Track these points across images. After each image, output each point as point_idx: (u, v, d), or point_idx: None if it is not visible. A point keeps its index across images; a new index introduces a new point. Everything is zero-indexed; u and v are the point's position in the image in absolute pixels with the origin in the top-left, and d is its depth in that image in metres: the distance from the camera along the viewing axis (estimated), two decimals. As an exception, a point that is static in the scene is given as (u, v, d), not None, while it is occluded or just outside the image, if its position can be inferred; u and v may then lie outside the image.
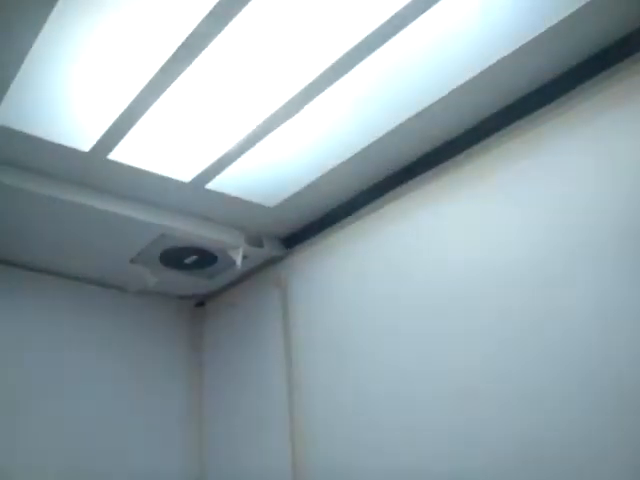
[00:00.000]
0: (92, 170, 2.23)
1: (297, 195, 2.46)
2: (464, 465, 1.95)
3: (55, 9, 1.59)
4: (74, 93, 1.89)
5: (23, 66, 1.77)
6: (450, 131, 2.18)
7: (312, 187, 2.42)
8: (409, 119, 2.07)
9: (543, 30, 1.75)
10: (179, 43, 1.71)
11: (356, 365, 2.36)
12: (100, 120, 1.99)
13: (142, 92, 1.88)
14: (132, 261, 2.74)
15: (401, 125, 2.10)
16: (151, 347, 3.07)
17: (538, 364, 1.82)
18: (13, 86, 1.84)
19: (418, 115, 2.05)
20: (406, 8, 1.63)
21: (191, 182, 2.32)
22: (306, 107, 2.00)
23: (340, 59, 1.80)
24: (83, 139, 2.07)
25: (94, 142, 2.08)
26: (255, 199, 2.48)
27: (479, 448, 1.91)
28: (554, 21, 1.72)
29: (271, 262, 2.88)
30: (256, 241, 2.71)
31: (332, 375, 2.45)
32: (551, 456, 1.74)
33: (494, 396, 1.90)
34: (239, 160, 2.23)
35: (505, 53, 1.82)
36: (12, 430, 2.54)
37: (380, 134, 2.14)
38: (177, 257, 2.70)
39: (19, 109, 1.93)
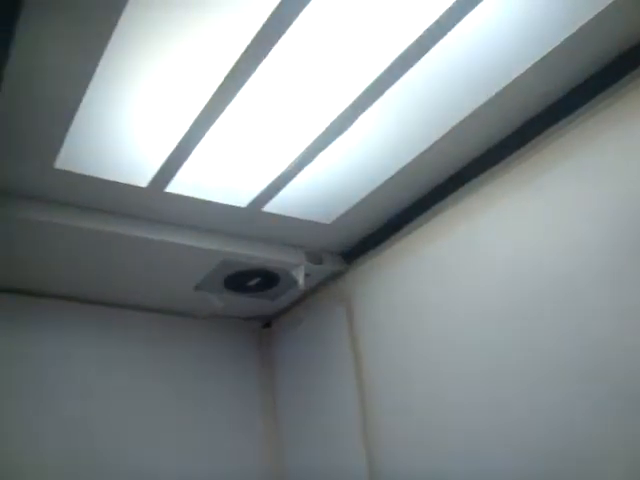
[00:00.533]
0: (151, 204, 2.30)
1: (353, 210, 2.47)
2: (534, 470, 1.93)
3: (104, 55, 1.65)
4: (128, 132, 1.95)
5: (78, 113, 1.84)
6: (498, 134, 2.16)
7: (367, 200, 2.42)
8: (455, 126, 2.07)
9: (574, 31, 1.74)
10: (226, 72, 1.75)
11: (425, 371, 2.35)
12: (155, 156, 2.05)
13: (194, 124, 1.93)
14: (197, 288, 2.79)
15: (449, 132, 2.09)
16: (223, 369, 3.12)
17: (611, 367, 1.79)
18: (70, 132, 1.91)
19: (462, 122, 2.05)
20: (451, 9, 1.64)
21: (248, 207, 2.35)
22: (354, 124, 2.01)
23: (383, 73, 1.81)
24: (140, 175, 2.13)
25: (151, 177, 2.14)
26: (312, 217, 2.50)
27: (551, 454, 1.88)
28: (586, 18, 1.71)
29: (333, 278, 2.89)
30: (316, 258, 2.73)
31: (401, 383, 2.45)
32: None
33: (561, 398, 1.88)
34: (293, 181, 2.26)
35: (539, 57, 1.83)
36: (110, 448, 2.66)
37: (429, 143, 2.14)
38: (240, 280, 2.74)
39: (78, 153, 2.01)
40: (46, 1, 1.50)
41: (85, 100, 1.80)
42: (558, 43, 1.77)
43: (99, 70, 1.70)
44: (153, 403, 2.85)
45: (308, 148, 2.10)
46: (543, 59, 1.83)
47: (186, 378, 2.99)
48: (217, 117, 1.92)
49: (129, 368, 2.86)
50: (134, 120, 1.91)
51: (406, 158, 2.22)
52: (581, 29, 1.74)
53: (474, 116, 2.03)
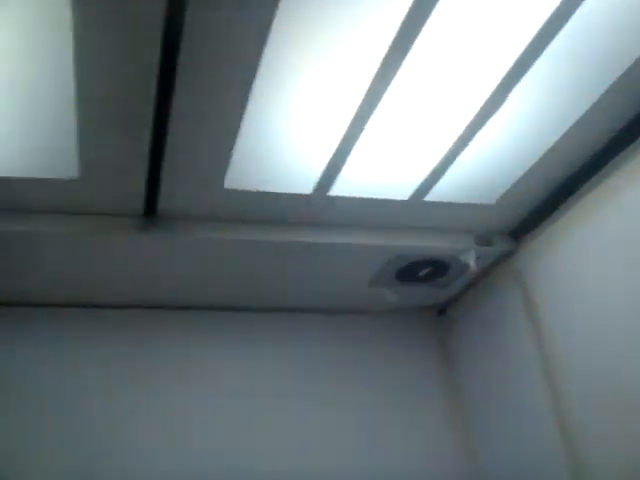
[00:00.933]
0: (317, 209, 2.37)
1: (516, 186, 2.40)
2: None
3: (262, 63, 1.71)
4: (289, 142, 2.02)
5: (240, 132, 1.94)
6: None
7: (529, 175, 2.35)
8: (608, 89, 1.97)
9: None
10: (377, 66, 1.76)
11: (618, 346, 2.24)
12: (316, 162, 2.11)
13: (350, 125, 1.97)
14: (370, 285, 2.84)
15: (611, 87, 1.99)
16: (401, 361, 3.16)
17: None
18: (235, 152, 2.02)
19: (614, 84, 1.96)
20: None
21: (410, 199, 2.36)
22: (504, 102, 1.97)
23: (530, 44, 1.76)
24: (304, 183, 2.21)
25: (315, 183, 2.21)
26: (474, 200, 2.46)
27: None
28: None
29: (504, 258, 2.83)
30: (485, 240, 2.69)
31: (594, 362, 2.33)
32: None
33: None
34: (451, 167, 2.24)
35: None
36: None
37: (585, 108, 2.05)
38: (412, 272, 2.75)
39: (244, 171, 2.12)
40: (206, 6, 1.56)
41: (246, 117, 1.89)
42: None
43: (257, 81, 1.77)
44: (334, 404, 2.94)
45: (463, 132, 2.08)
46: None
47: (365, 375, 3.05)
48: (371, 114, 1.95)
49: (306, 371, 2.97)
50: (293, 129, 1.98)
51: (563, 127, 2.13)
52: None
53: (626, 76, 1.93)
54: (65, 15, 1.52)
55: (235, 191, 2.20)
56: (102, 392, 2.67)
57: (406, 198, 2.36)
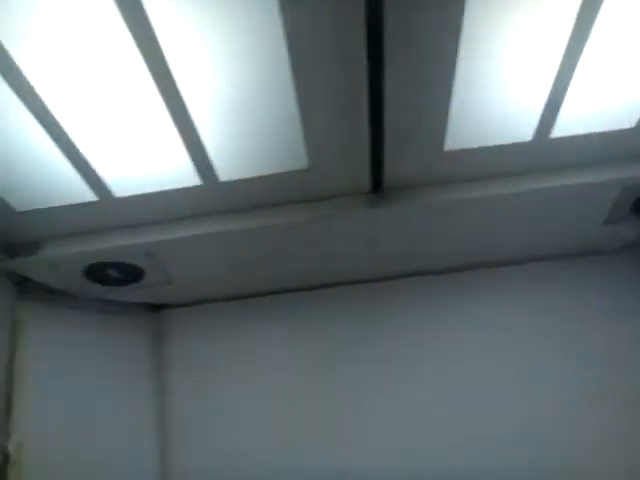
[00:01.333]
0: (539, 154, 2.34)
1: None
2: None
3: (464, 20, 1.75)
4: (502, 94, 2.04)
5: (453, 93, 1.99)
6: None
7: None
8: None
9: None
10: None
11: None
12: (532, 106, 2.10)
13: (562, 62, 1.94)
14: (605, 223, 2.75)
15: None
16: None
17: None
18: (451, 113, 2.07)
19: None
20: None
21: (637, 124, 2.25)
22: None
23: None
24: (523, 131, 2.21)
25: (534, 129, 2.20)
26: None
27: None
28: None
29: None
30: None
31: None
32: None
33: None
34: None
35: None
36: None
37: None
38: (645, 202, 2.63)
39: (461, 130, 2.16)
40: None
41: (457, 77, 1.93)
42: None
43: (463, 39, 1.80)
44: (585, 357, 2.94)
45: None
46: None
47: (609, 320, 2.99)
48: (583, 47, 1.90)
49: (553, 322, 3.00)
50: (504, 80, 1.99)
51: None
52: None
53: None
54: (277, 22, 1.67)
55: (456, 151, 2.25)
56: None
57: (632, 125, 2.26)
